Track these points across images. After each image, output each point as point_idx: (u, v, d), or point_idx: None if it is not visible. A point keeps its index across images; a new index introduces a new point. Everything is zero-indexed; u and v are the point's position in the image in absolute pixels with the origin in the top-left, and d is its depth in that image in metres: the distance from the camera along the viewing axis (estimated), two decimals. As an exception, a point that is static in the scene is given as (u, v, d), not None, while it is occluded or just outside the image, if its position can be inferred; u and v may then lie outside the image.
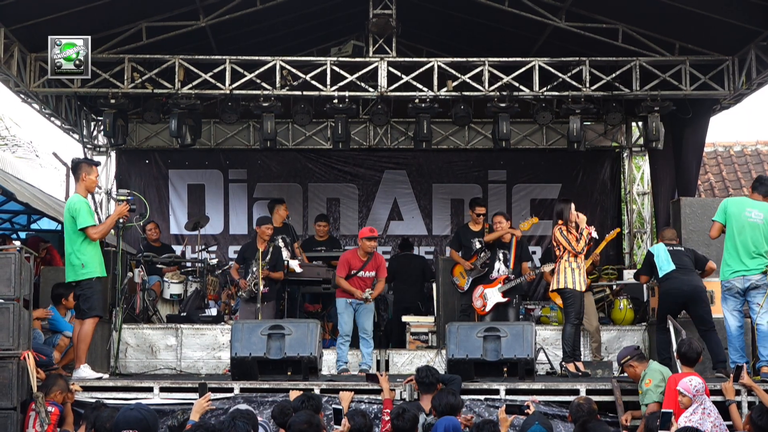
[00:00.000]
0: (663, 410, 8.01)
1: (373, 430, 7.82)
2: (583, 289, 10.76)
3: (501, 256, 11.83)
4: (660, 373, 8.84)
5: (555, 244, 10.77)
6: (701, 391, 8.30)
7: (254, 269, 11.90)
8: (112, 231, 10.71)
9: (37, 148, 25.99)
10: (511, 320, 11.50)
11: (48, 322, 10.71)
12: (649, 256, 10.58)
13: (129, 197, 10.12)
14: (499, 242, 11.88)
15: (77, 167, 10.06)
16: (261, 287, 11.70)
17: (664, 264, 10.34)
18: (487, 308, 11.68)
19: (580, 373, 10.41)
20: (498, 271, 11.78)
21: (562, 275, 10.68)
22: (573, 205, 10.89)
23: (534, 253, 16.62)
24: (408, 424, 7.73)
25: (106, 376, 10.09)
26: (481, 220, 12.52)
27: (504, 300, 11.66)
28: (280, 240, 12.87)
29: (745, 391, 8.99)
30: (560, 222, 10.74)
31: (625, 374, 9.38)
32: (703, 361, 9.38)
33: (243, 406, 7.80)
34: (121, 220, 10.17)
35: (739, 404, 8.87)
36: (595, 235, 10.81)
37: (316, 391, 9.07)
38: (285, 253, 12.73)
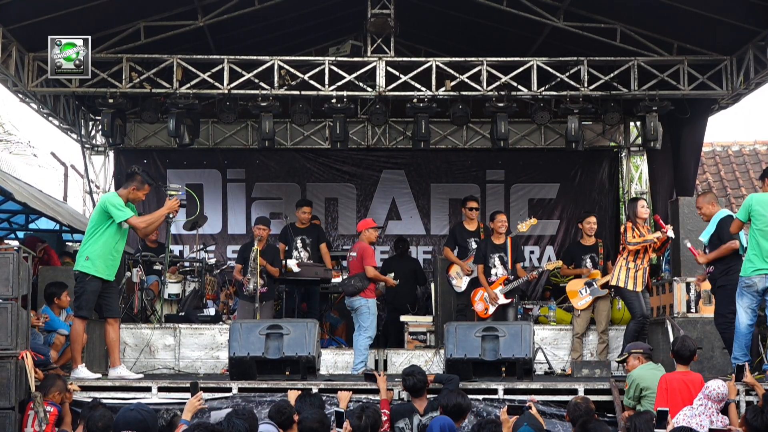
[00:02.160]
0: (659, 409, 8.02)
1: (368, 429, 7.80)
2: (639, 288, 10.94)
3: (498, 258, 11.82)
4: (635, 381, 8.82)
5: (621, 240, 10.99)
6: (713, 398, 8.26)
7: (250, 268, 11.98)
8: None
9: (35, 147, 26.00)
10: (511, 320, 11.50)
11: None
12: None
13: (180, 192, 10.04)
14: (493, 244, 11.86)
15: (133, 176, 10.01)
16: (259, 286, 11.72)
17: None
18: (490, 311, 11.65)
19: None
20: (496, 274, 11.77)
21: (617, 272, 11.06)
22: (641, 202, 11.04)
23: (532, 252, 16.67)
24: (370, 420, 7.73)
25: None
26: (475, 215, 12.53)
27: (506, 301, 11.67)
28: (299, 241, 12.80)
29: (743, 390, 8.99)
30: (628, 222, 10.86)
31: (620, 373, 9.42)
32: (700, 360, 9.39)
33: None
34: (171, 215, 10.07)
35: (737, 404, 8.87)
36: (671, 234, 10.93)
37: (315, 391, 9.06)
38: (304, 254, 12.68)
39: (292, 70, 13.83)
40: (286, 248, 12.84)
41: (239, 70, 13.69)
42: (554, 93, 14.01)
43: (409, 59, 14.19)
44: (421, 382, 8.79)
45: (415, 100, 14.03)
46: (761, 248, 9.39)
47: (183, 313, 12.78)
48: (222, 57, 13.71)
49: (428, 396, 8.79)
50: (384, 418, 8.50)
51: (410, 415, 8.59)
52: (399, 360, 11.85)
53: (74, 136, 16.17)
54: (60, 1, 12.22)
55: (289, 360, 9.54)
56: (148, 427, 6.04)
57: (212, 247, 16.46)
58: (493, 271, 11.76)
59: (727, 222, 9.93)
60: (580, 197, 16.83)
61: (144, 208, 12.60)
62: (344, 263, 14.12)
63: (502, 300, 11.63)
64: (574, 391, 9.29)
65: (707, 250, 10.18)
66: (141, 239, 13.78)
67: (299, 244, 12.79)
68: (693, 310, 10.89)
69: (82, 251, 9.65)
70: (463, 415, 8.26)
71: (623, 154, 17.10)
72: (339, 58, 13.93)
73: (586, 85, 13.74)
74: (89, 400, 8.83)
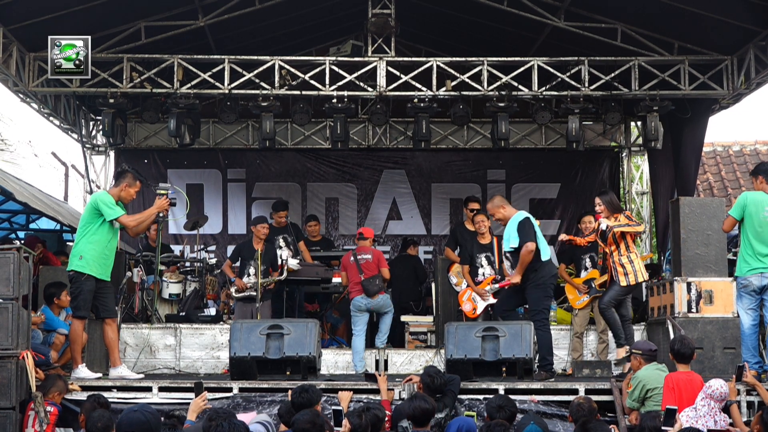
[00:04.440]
0: (667, 407, 8.02)
1: (369, 429, 7.76)
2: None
3: (485, 257, 11.82)
4: (641, 382, 8.79)
5: None
6: (716, 397, 8.25)
7: (252, 270, 12.06)
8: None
9: (35, 147, 26.07)
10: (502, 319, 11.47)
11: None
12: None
13: (170, 191, 10.04)
14: (479, 244, 11.86)
15: (123, 174, 10.03)
16: (261, 288, 11.77)
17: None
18: (478, 311, 11.65)
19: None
20: (483, 274, 11.77)
21: None
22: (597, 199, 10.81)
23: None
24: (371, 420, 7.67)
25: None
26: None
27: (494, 301, 11.65)
28: (281, 240, 12.88)
29: (744, 391, 8.98)
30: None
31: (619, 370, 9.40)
32: (700, 360, 9.37)
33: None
34: (161, 214, 10.07)
35: (738, 404, 8.86)
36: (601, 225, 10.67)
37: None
38: (287, 252, 12.75)
39: (292, 70, 13.82)
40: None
41: (240, 70, 13.69)
42: (555, 93, 14.01)
43: (409, 59, 14.18)
44: (444, 383, 8.77)
45: (415, 100, 14.03)
46: (754, 248, 9.37)
47: (183, 313, 12.79)
48: (222, 57, 13.71)
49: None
50: (385, 419, 8.47)
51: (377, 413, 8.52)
52: (399, 360, 11.85)
53: (75, 136, 16.16)
54: (60, 1, 12.22)
55: (290, 360, 9.54)
56: (151, 428, 5.94)
57: (213, 247, 16.45)
58: (480, 271, 11.78)
59: (525, 224, 10.00)
60: (580, 197, 16.81)
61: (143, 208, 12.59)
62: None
63: (491, 300, 11.62)
64: (575, 391, 9.28)
65: (509, 256, 10.21)
66: (144, 239, 13.79)
67: (282, 243, 12.88)
68: (694, 310, 10.88)
69: (76, 251, 9.60)
70: (430, 418, 8.06)
71: (624, 154, 17.09)
72: (339, 58, 13.92)
73: (586, 85, 13.74)
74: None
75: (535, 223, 10.18)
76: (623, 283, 10.42)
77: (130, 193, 9.89)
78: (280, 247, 12.85)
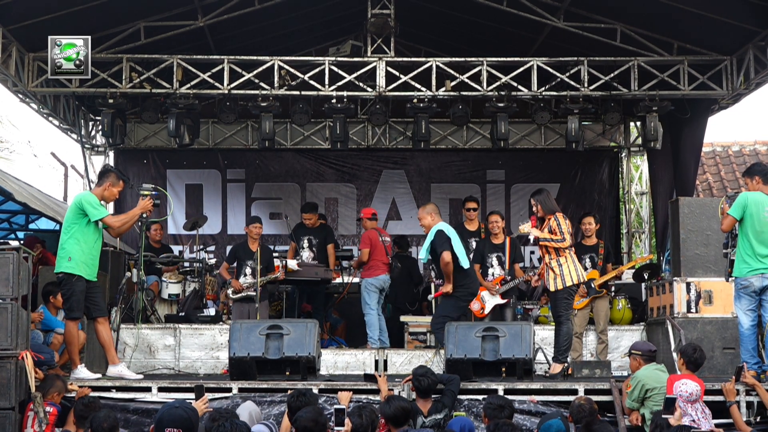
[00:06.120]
0: (666, 396, 8.03)
1: (369, 427, 7.75)
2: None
3: (495, 258, 11.84)
4: (641, 381, 8.77)
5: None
6: (689, 399, 8.26)
7: (248, 271, 12.20)
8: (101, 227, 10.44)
9: (35, 147, 26.10)
10: (509, 320, 11.51)
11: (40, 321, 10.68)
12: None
13: (153, 192, 10.02)
14: (492, 244, 11.89)
15: (107, 173, 9.99)
16: (259, 286, 11.79)
17: None
18: (486, 310, 11.67)
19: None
20: (493, 274, 11.78)
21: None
22: (532, 199, 10.77)
23: (533, 253, 16.65)
24: (366, 420, 7.65)
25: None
26: (474, 215, 12.59)
27: (503, 301, 11.67)
28: (306, 240, 12.93)
29: (743, 391, 8.98)
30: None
31: (620, 373, 9.39)
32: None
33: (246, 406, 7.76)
34: (144, 215, 10.03)
35: (738, 404, 8.86)
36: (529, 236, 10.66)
37: (315, 391, 9.04)
38: (307, 254, 12.83)
39: (292, 70, 13.83)
40: (296, 247, 13.06)
41: (239, 70, 13.69)
42: (554, 93, 14.02)
43: (409, 59, 14.18)
44: (434, 383, 8.76)
45: (415, 100, 14.04)
46: (754, 249, 9.30)
47: (183, 314, 12.78)
48: (222, 57, 13.71)
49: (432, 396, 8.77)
50: (383, 420, 8.46)
51: (414, 416, 8.55)
52: (399, 360, 11.82)
53: (74, 136, 16.16)
54: (60, 1, 12.21)
55: (289, 360, 9.52)
56: (192, 425, 5.81)
57: (212, 248, 16.45)
58: (490, 271, 11.79)
59: (441, 236, 10.36)
60: (580, 197, 16.83)
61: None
62: (345, 263, 14.16)
63: (499, 300, 11.63)
64: (575, 392, 9.27)
65: (433, 267, 10.46)
66: (145, 239, 13.74)
67: (305, 244, 12.91)
68: (693, 310, 10.89)
69: (63, 252, 9.52)
70: (409, 418, 7.98)
71: (623, 154, 17.09)
72: (339, 58, 13.93)
73: (586, 85, 13.75)
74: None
75: (452, 232, 10.45)
76: (552, 287, 10.37)
77: (113, 192, 9.84)
78: (303, 248, 12.90)
